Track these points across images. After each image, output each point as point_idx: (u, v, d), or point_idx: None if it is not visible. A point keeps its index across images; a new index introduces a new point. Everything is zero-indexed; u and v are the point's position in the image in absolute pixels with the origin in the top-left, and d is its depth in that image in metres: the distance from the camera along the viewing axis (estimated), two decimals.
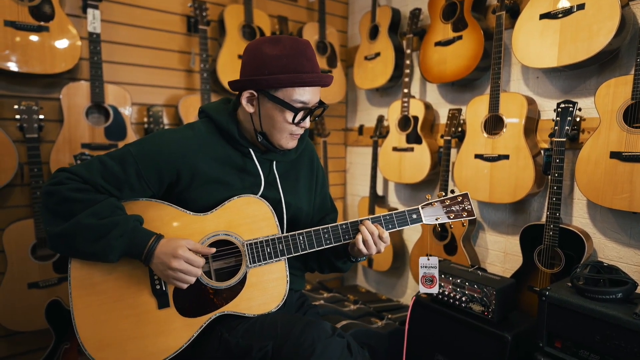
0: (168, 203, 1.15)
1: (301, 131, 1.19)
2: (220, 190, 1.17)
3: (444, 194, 1.26)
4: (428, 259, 1.37)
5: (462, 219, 1.24)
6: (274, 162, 1.26)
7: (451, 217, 1.23)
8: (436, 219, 1.23)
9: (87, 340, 1.07)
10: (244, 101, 1.14)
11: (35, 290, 1.93)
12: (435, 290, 1.38)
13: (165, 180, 1.14)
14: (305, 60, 1.10)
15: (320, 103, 1.19)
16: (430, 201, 1.24)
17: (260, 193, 1.22)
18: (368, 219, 1.19)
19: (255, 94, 1.13)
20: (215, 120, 1.20)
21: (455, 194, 1.25)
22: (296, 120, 1.13)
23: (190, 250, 1.07)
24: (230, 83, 1.17)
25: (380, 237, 1.17)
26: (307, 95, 1.12)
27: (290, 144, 1.19)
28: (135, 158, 1.10)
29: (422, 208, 1.23)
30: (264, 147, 1.22)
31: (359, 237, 1.16)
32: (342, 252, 1.28)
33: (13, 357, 2.03)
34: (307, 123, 1.18)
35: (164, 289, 1.11)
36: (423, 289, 1.38)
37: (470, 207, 1.25)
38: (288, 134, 1.17)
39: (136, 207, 1.13)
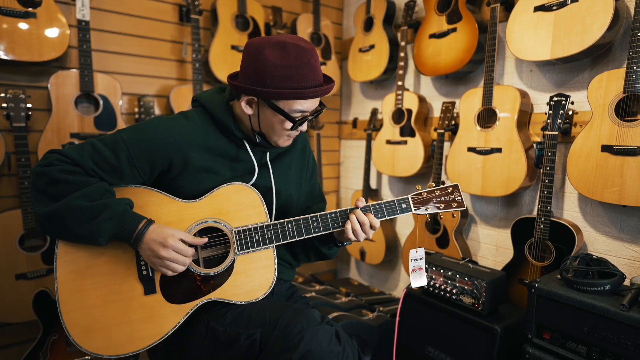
0: (157, 190, 1.15)
1: (297, 133, 1.21)
2: (211, 179, 1.17)
3: (434, 184, 1.25)
4: (416, 251, 1.34)
5: (452, 210, 1.23)
6: (267, 152, 1.27)
7: (441, 208, 1.23)
8: (426, 209, 1.22)
9: (72, 326, 1.05)
10: (243, 104, 1.13)
11: (23, 281, 1.90)
12: (424, 282, 1.34)
13: (157, 168, 1.13)
14: (308, 71, 1.07)
15: (320, 104, 1.19)
16: (420, 191, 1.24)
17: (253, 180, 1.22)
18: (358, 207, 1.18)
19: (255, 99, 1.12)
20: (210, 111, 1.19)
21: (445, 185, 1.24)
22: (294, 127, 1.15)
23: (180, 240, 1.06)
24: (231, 83, 1.14)
25: (371, 226, 1.17)
26: (307, 104, 1.11)
27: (287, 142, 1.21)
28: (128, 145, 1.09)
29: (411, 198, 1.22)
30: (259, 143, 1.22)
31: (348, 226, 1.15)
32: (328, 238, 1.28)
33: (0, 349, 2.01)
34: (304, 127, 1.20)
35: (150, 274, 1.11)
36: (415, 283, 1.34)
37: (460, 198, 1.24)
38: (286, 135, 1.18)
39: (126, 193, 1.12)
